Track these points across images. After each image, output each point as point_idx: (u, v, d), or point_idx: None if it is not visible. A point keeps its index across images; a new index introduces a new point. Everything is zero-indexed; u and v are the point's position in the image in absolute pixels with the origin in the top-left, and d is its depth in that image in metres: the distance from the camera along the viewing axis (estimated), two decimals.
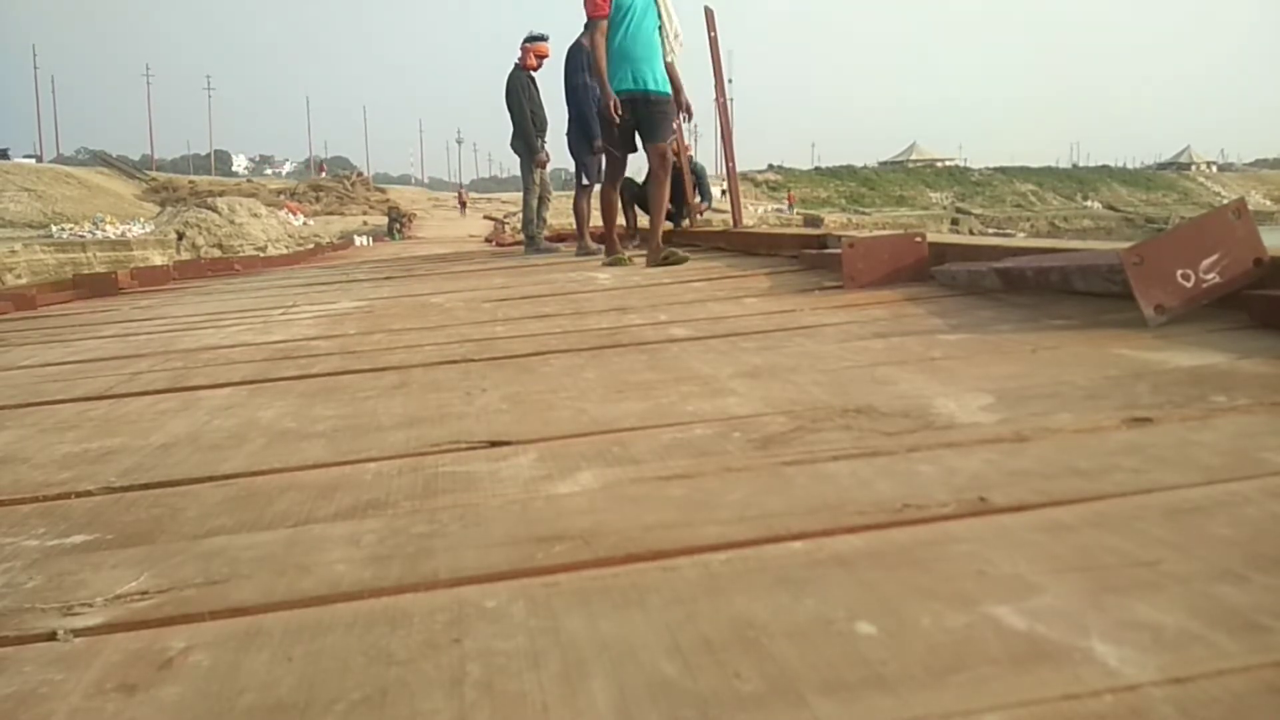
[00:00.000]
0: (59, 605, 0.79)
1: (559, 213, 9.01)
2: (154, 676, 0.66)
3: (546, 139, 6.76)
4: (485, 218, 27.52)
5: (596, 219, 7.17)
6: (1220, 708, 0.52)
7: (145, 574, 0.85)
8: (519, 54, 6.64)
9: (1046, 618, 0.63)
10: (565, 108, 6.11)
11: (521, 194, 7.02)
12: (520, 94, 6.56)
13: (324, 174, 53.21)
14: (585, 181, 6.26)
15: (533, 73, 6.65)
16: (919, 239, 2.72)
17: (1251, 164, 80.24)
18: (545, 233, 6.98)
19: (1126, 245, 1.70)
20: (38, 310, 4.41)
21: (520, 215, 7.28)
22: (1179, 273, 1.60)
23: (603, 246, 6.31)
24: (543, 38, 6.67)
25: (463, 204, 41.10)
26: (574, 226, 6.79)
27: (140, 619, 0.76)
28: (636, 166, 6.71)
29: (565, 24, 6.07)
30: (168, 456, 1.30)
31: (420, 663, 0.65)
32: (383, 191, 45.52)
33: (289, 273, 6.93)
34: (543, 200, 6.83)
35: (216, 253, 18.53)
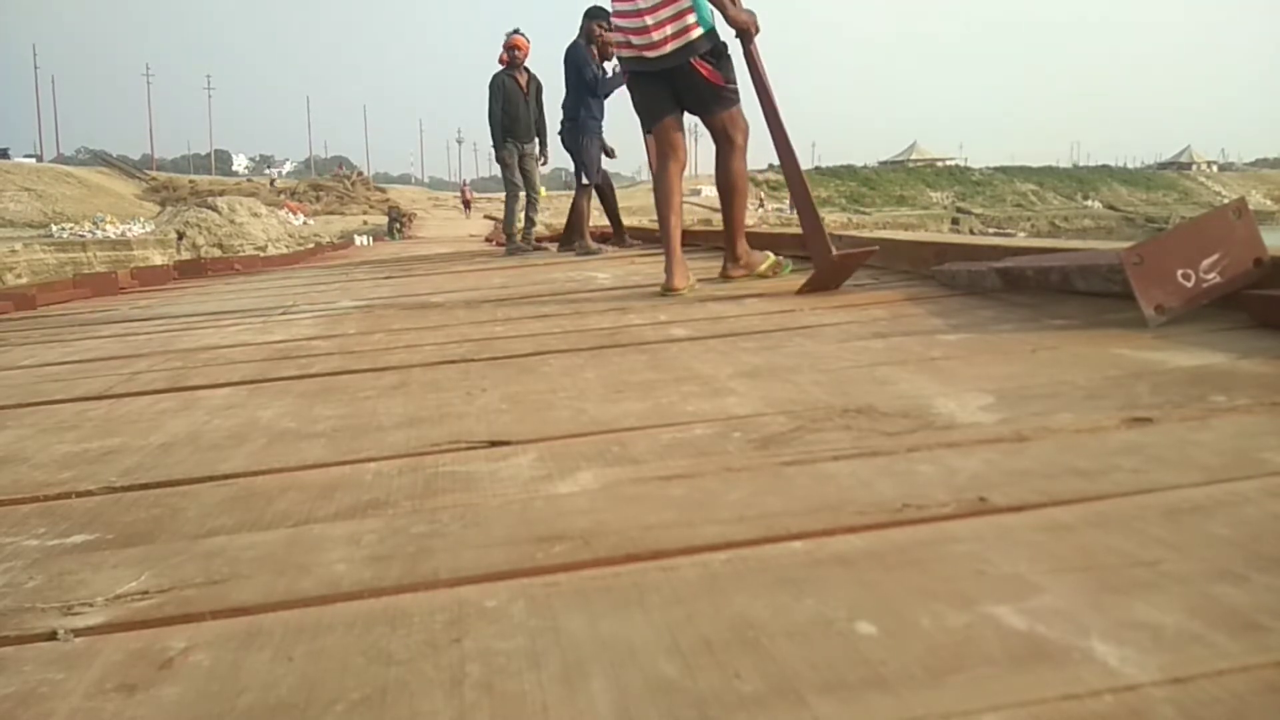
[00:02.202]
0: (59, 605, 0.80)
1: (560, 212, 9.01)
2: (154, 676, 0.66)
3: (537, 138, 6.76)
4: (486, 217, 27.54)
5: (597, 219, 7.18)
6: (1220, 708, 0.52)
7: (145, 574, 0.85)
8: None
9: (1046, 618, 0.63)
10: (561, 107, 6.09)
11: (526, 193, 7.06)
12: (494, 95, 6.63)
13: (342, 170, 52.86)
14: (585, 181, 6.24)
15: (514, 71, 6.63)
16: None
17: (1252, 163, 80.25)
18: (546, 233, 7.00)
19: (1127, 245, 1.70)
20: (38, 310, 4.41)
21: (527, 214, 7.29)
22: (1179, 273, 1.60)
23: (604, 246, 6.29)
24: (514, 32, 6.72)
25: (466, 203, 35.76)
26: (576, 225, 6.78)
27: (140, 619, 0.76)
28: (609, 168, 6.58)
29: (565, 23, 6.09)
30: (168, 456, 1.30)
31: (420, 663, 0.65)
32: (383, 191, 45.52)
33: (289, 272, 6.93)
34: (531, 201, 6.88)
35: (217, 252, 18.54)
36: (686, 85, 3.05)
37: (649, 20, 2.96)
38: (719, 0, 2.92)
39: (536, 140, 6.81)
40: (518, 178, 6.73)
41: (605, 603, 0.72)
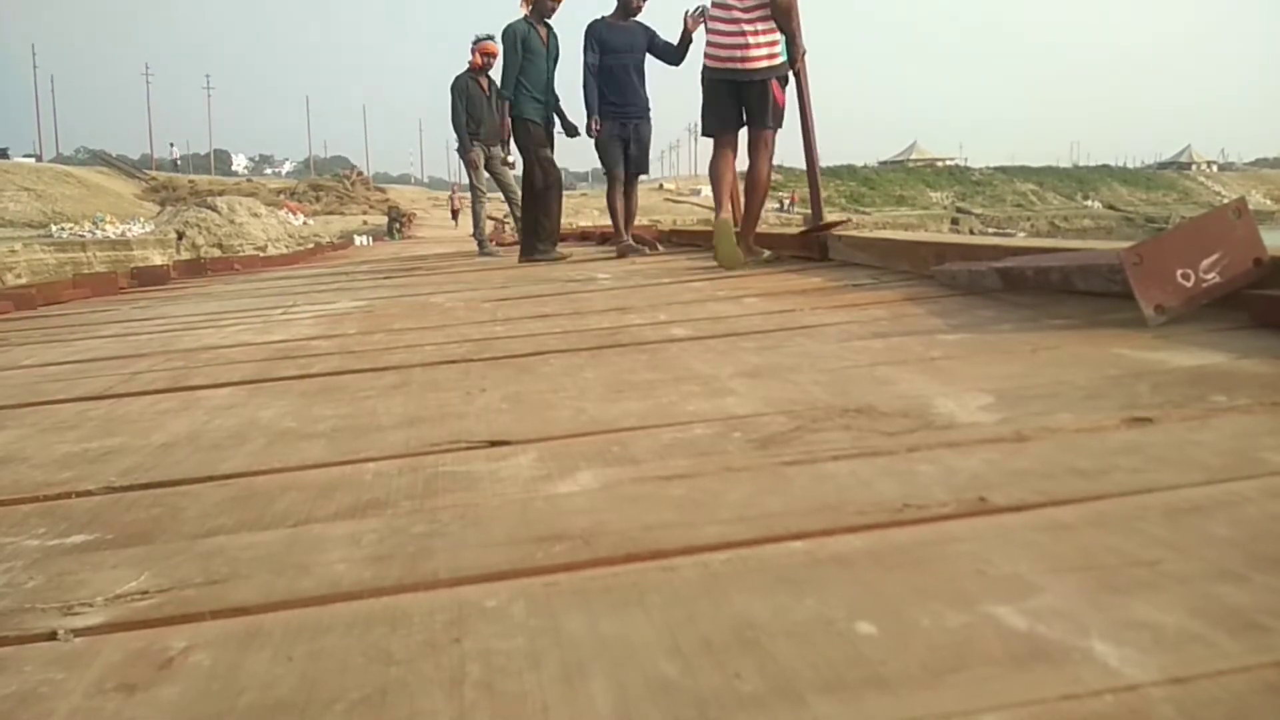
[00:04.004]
0: (59, 605, 0.80)
1: (567, 212, 9.04)
2: (154, 676, 0.66)
3: (496, 142, 6.73)
4: (487, 218, 27.40)
5: (596, 218, 7.18)
6: (1220, 708, 0.52)
7: (145, 574, 0.85)
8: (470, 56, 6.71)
9: (1046, 618, 0.63)
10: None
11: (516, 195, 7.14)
12: (457, 98, 6.64)
13: (353, 173, 52.68)
14: (606, 170, 5.68)
15: (477, 75, 6.67)
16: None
17: (1252, 163, 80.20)
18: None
19: (1126, 245, 1.70)
20: (38, 310, 4.41)
21: (513, 215, 7.36)
22: (1179, 272, 1.60)
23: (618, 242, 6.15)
24: (489, 37, 6.72)
25: (455, 212, 28.87)
26: (609, 224, 6.50)
27: (140, 619, 0.76)
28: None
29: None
30: (168, 456, 1.30)
31: (420, 663, 0.65)
32: (382, 191, 45.50)
33: (289, 272, 6.93)
34: (510, 201, 7.00)
35: (216, 252, 18.54)
36: (754, 98, 3.76)
37: (750, 40, 3.71)
38: (792, 30, 3.73)
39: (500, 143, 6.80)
40: (483, 182, 6.79)
41: (605, 603, 0.72)
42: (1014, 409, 1.17)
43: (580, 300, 2.96)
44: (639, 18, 5.47)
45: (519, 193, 7.25)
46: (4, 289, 7.90)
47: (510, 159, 6.90)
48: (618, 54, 5.33)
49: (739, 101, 3.81)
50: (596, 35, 5.30)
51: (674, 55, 5.33)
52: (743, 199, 4.18)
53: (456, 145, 6.83)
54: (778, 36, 3.72)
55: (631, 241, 5.41)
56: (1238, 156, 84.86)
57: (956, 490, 0.89)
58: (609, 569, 0.78)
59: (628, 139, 5.49)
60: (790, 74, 3.84)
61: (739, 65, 3.73)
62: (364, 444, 1.28)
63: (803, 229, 4.12)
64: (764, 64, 3.72)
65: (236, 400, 1.68)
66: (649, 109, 5.58)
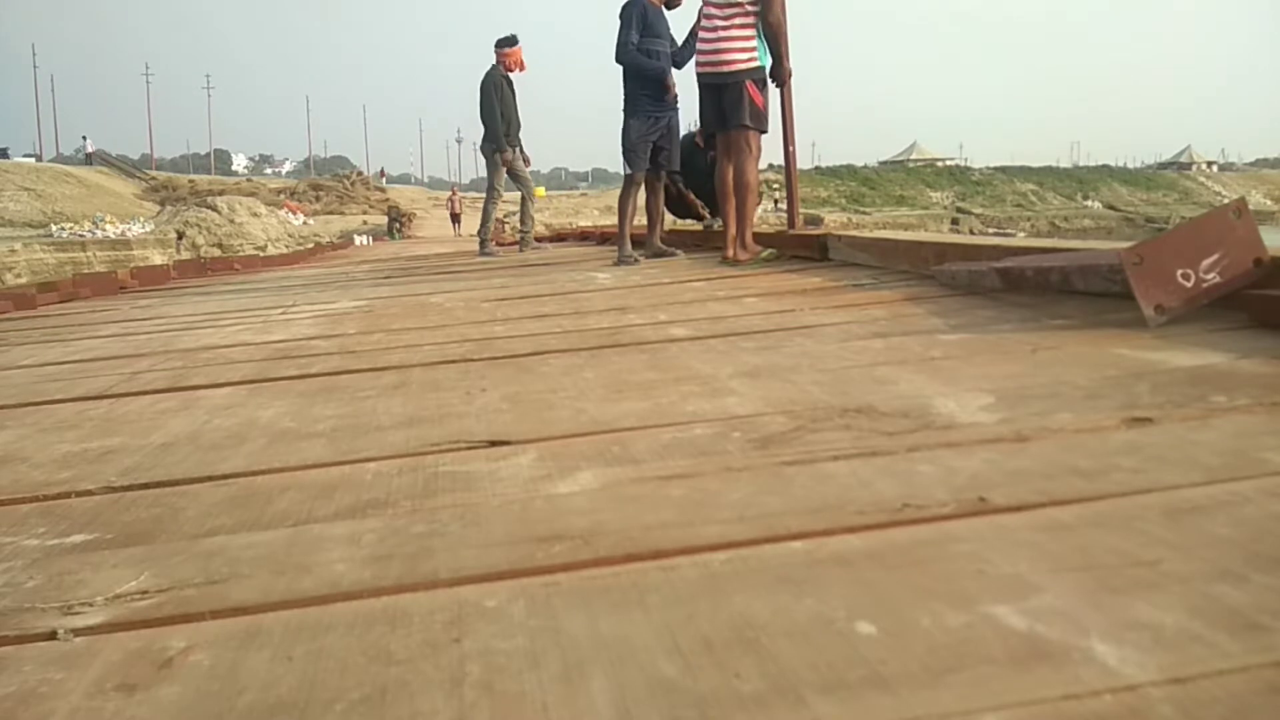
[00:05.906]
0: (59, 605, 0.80)
1: (559, 212, 9.05)
2: (154, 676, 0.66)
3: (518, 142, 6.78)
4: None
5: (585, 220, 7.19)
6: (1220, 708, 0.52)
7: (145, 573, 0.85)
8: (495, 57, 6.68)
9: (1046, 618, 0.63)
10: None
11: (521, 194, 7.14)
12: (494, 93, 6.55)
13: (383, 178, 52.09)
14: (627, 170, 4.98)
15: (509, 75, 6.65)
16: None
17: (1252, 163, 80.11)
18: (547, 233, 7.06)
19: (1126, 245, 1.70)
20: (37, 310, 4.41)
21: (517, 215, 7.36)
22: (1179, 273, 1.60)
23: (634, 254, 5.91)
24: (517, 42, 6.72)
25: (455, 216, 26.79)
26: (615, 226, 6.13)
27: (140, 618, 0.76)
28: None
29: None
30: (168, 456, 1.30)
31: (420, 662, 0.65)
32: (382, 191, 45.50)
33: (289, 272, 6.93)
34: (526, 202, 6.99)
35: (216, 252, 18.53)
36: (730, 98, 3.89)
37: (724, 45, 3.88)
38: (779, 51, 3.90)
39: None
40: (502, 182, 6.78)
41: (605, 603, 0.72)
42: (1014, 409, 1.17)
43: (580, 300, 2.96)
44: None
45: (540, 193, 7.27)
46: (4, 289, 7.90)
47: (528, 157, 6.92)
48: (659, 40, 4.71)
49: (720, 103, 3.95)
50: (640, 13, 4.66)
51: (680, 55, 4.88)
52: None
53: (481, 143, 6.68)
54: (754, 41, 3.87)
55: (660, 244, 4.99)
56: (1238, 156, 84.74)
57: (956, 490, 0.89)
58: (609, 569, 0.78)
59: (658, 138, 4.87)
60: (776, 87, 4.01)
61: (714, 69, 3.91)
62: (364, 444, 1.28)
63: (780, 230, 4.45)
64: (739, 66, 3.87)
65: (236, 400, 1.68)
66: (678, 102, 4.96)
